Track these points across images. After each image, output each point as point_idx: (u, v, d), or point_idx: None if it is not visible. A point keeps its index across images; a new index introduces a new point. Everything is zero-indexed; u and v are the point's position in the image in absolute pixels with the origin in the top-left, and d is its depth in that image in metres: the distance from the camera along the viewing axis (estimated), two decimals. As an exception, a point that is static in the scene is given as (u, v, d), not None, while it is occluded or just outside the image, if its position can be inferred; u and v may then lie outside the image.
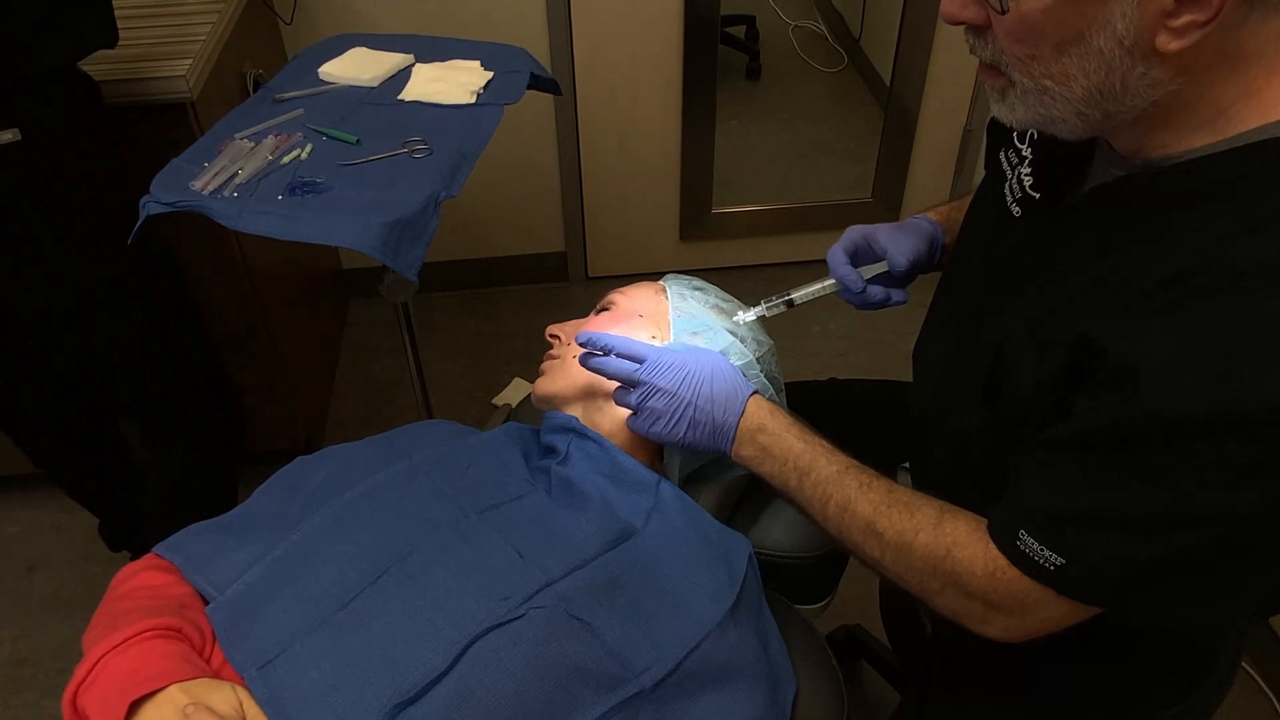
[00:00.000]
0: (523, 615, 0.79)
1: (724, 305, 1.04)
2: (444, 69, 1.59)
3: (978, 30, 0.72)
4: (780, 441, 0.90)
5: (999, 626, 0.79)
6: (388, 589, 0.82)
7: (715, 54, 2.36)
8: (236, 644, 0.80)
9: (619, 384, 0.94)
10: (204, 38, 1.61)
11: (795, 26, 3.85)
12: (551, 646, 0.78)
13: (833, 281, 1.04)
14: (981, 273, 0.91)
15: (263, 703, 0.76)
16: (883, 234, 1.05)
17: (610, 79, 2.35)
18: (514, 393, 2.31)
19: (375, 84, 1.56)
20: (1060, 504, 0.73)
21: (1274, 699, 1.70)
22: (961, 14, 0.71)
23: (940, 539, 0.80)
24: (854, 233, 1.05)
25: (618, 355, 0.93)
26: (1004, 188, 0.89)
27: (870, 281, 1.04)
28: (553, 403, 1.03)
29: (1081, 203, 0.79)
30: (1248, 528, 0.66)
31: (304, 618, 0.81)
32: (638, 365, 0.92)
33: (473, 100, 1.51)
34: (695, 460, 1.01)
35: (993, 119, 0.94)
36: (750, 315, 1.04)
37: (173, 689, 0.73)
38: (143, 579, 0.88)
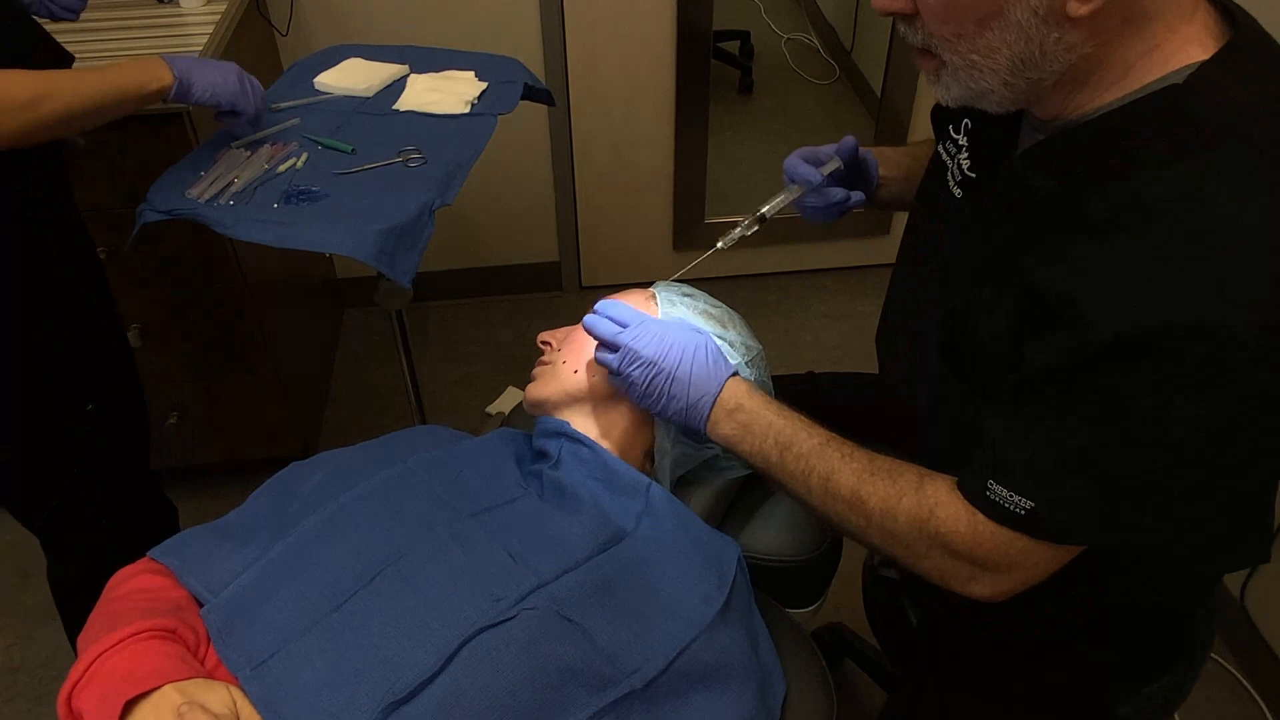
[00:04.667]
0: (514, 616, 0.79)
1: (713, 311, 1.05)
2: (439, 79, 1.60)
3: (907, 18, 0.78)
4: (759, 418, 0.92)
5: (984, 584, 0.82)
6: (381, 590, 0.83)
7: (708, 68, 2.39)
8: (231, 645, 0.81)
9: (602, 342, 0.96)
10: (200, 48, 1.62)
11: (788, 39, 3.88)
12: (543, 647, 0.78)
13: (795, 185, 1.07)
14: (934, 254, 0.96)
15: (257, 702, 0.76)
16: (823, 147, 1.11)
17: (604, 90, 2.37)
18: (508, 401, 2.32)
19: (370, 94, 1.58)
20: (1019, 448, 0.77)
21: (1264, 705, 1.71)
22: (892, 5, 0.77)
23: (923, 501, 0.83)
24: (803, 150, 1.11)
25: (608, 318, 0.97)
26: (946, 176, 0.95)
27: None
28: (544, 408, 1.04)
29: (1011, 168, 0.84)
30: (1196, 439, 0.70)
31: (298, 619, 0.81)
32: (622, 329, 0.95)
33: (467, 110, 1.52)
34: (686, 464, 1.02)
35: (933, 121, 1.04)
36: (733, 237, 1.05)
37: (168, 688, 0.73)
38: (138, 582, 0.88)
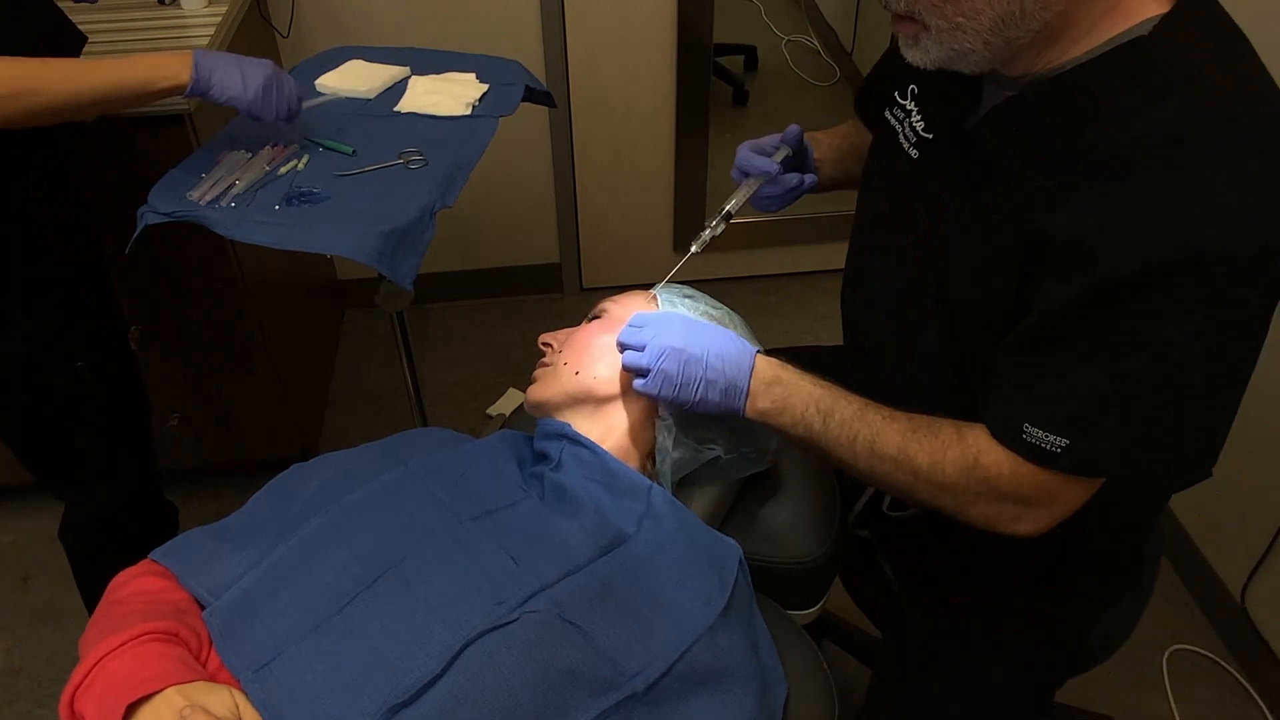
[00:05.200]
0: (516, 619, 0.79)
1: (713, 312, 1.05)
2: (440, 81, 1.61)
3: None
4: (798, 390, 0.93)
5: (1028, 521, 0.87)
6: (383, 593, 0.83)
7: (709, 69, 2.39)
8: (233, 647, 0.81)
9: (628, 348, 0.95)
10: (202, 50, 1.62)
11: (788, 41, 3.88)
12: (545, 650, 0.78)
13: (753, 178, 1.11)
14: (904, 220, 0.99)
15: (259, 705, 0.76)
16: (766, 138, 1.15)
17: (604, 92, 2.37)
18: (508, 403, 2.32)
19: (371, 96, 1.58)
20: (1046, 390, 0.82)
21: (1264, 707, 1.71)
22: None
23: (967, 451, 0.87)
24: (746, 143, 1.14)
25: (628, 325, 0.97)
26: (897, 140, 1.00)
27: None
28: (545, 409, 1.04)
29: (983, 124, 0.88)
30: (1213, 360, 0.77)
31: (300, 622, 0.81)
32: (641, 328, 0.95)
33: (468, 112, 1.53)
34: (687, 465, 1.02)
35: (858, 99, 1.20)
36: (704, 240, 1.06)
37: (170, 691, 0.73)
38: (139, 584, 0.88)
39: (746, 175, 1.12)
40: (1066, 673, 1.17)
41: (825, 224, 2.65)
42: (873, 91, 1.14)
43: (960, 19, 0.78)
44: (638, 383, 0.94)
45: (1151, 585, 1.14)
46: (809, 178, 1.15)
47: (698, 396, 0.92)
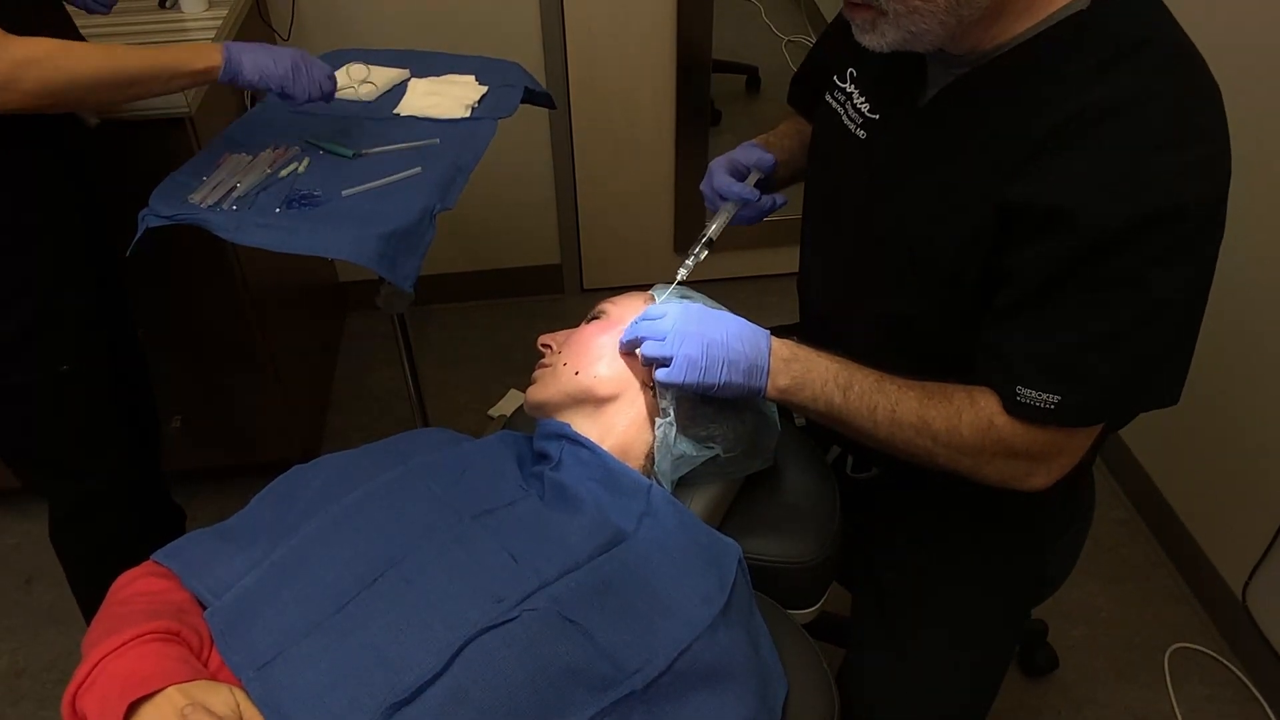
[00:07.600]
0: (516, 617, 0.80)
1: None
2: (439, 83, 1.61)
3: None
4: (816, 366, 0.95)
5: (1040, 475, 0.92)
6: (383, 592, 0.83)
7: (708, 74, 2.39)
8: (234, 646, 0.81)
9: (647, 339, 0.95)
10: (202, 53, 1.62)
11: (788, 41, 3.88)
12: (544, 647, 0.79)
13: (731, 204, 1.13)
14: (857, 194, 1.02)
15: (260, 704, 0.76)
16: (739, 154, 1.18)
17: (604, 94, 2.38)
18: (509, 404, 2.33)
19: (371, 98, 1.58)
20: (1033, 351, 0.87)
21: (1266, 705, 1.71)
22: None
23: (980, 414, 0.91)
24: (720, 162, 1.17)
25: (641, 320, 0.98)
26: (841, 122, 1.04)
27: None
28: (545, 410, 1.04)
29: (936, 102, 0.92)
30: (1187, 304, 0.84)
31: (301, 620, 0.82)
32: (655, 320, 0.96)
33: (467, 114, 1.53)
34: (687, 465, 1.02)
35: (792, 90, 1.26)
36: (689, 264, 1.07)
37: (171, 690, 0.73)
38: (141, 585, 0.89)
39: (722, 198, 1.14)
40: (1034, 600, 1.24)
41: (825, 224, 2.64)
42: (809, 80, 1.19)
43: (918, 2, 0.81)
44: (660, 372, 0.93)
45: (1089, 520, 1.22)
46: (779, 198, 1.19)
47: (722, 379, 0.92)
